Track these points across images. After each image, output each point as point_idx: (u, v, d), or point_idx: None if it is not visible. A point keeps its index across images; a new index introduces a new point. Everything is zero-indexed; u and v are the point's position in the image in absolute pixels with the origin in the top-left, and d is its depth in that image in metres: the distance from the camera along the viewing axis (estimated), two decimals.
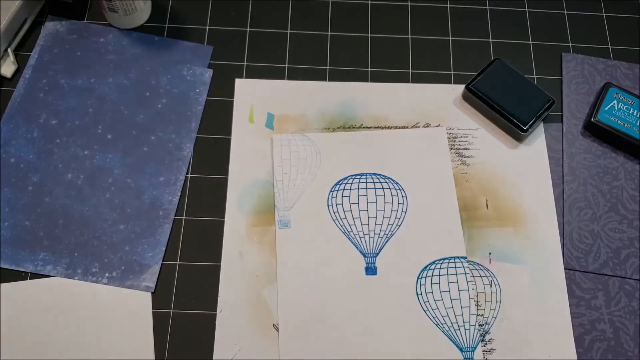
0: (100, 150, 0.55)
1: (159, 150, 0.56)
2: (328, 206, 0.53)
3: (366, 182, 0.54)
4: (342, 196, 0.54)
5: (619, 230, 0.54)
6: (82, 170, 0.54)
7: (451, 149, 0.57)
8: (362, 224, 0.52)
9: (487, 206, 0.54)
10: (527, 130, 0.56)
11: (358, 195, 0.54)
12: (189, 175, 0.55)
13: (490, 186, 0.55)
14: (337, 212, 0.53)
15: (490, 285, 0.51)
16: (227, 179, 0.55)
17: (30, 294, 0.49)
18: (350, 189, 0.54)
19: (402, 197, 0.54)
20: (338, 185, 0.54)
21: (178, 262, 0.52)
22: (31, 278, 0.50)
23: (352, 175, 0.55)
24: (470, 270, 0.51)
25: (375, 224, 0.52)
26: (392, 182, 0.55)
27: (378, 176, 0.55)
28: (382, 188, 0.54)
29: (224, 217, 0.53)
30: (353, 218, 0.53)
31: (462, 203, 0.54)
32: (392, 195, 0.54)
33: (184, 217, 0.53)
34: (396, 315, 0.50)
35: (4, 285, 0.49)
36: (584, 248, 0.53)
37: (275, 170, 0.55)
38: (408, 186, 0.55)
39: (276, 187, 0.54)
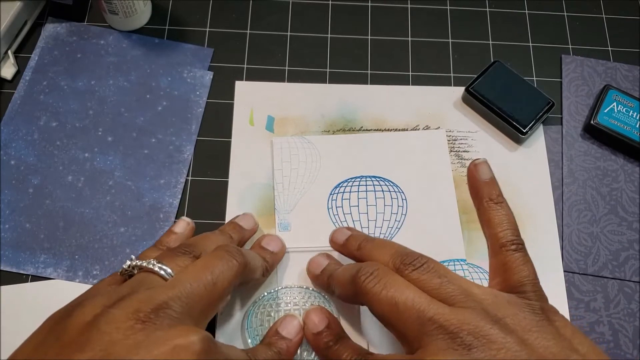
0: (101, 152, 0.55)
1: (160, 152, 0.56)
2: (328, 209, 0.53)
3: (366, 185, 0.54)
4: (342, 199, 0.54)
5: (618, 232, 0.54)
6: (83, 172, 0.54)
7: (451, 151, 0.57)
8: (362, 227, 0.52)
9: None
10: (526, 132, 0.56)
11: (358, 198, 0.54)
12: (190, 178, 0.55)
13: None
14: (337, 214, 0.53)
15: None
16: (227, 182, 0.55)
17: (31, 296, 0.49)
18: (350, 192, 0.54)
19: (402, 199, 0.54)
20: (338, 188, 0.54)
21: None
22: (32, 280, 0.50)
23: (352, 178, 0.55)
24: (470, 272, 0.52)
25: (375, 226, 0.53)
26: (391, 184, 0.55)
27: (378, 179, 0.55)
28: (382, 191, 0.54)
29: (224, 220, 0.53)
30: (353, 221, 0.53)
31: (461, 205, 0.54)
32: (392, 198, 0.54)
33: None
34: None
35: (4, 287, 0.50)
36: (583, 250, 0.53)
37: (276, 173, 0.55)
38: (408, 189, 0.55)
39: (276, 189, 0.54)
